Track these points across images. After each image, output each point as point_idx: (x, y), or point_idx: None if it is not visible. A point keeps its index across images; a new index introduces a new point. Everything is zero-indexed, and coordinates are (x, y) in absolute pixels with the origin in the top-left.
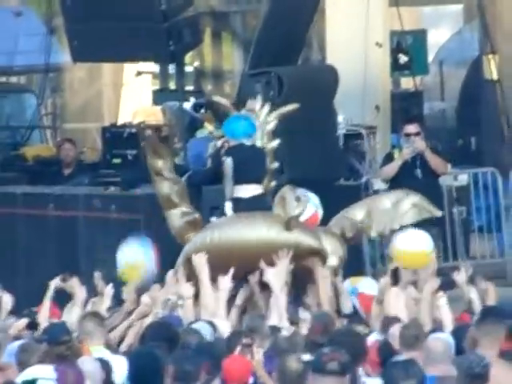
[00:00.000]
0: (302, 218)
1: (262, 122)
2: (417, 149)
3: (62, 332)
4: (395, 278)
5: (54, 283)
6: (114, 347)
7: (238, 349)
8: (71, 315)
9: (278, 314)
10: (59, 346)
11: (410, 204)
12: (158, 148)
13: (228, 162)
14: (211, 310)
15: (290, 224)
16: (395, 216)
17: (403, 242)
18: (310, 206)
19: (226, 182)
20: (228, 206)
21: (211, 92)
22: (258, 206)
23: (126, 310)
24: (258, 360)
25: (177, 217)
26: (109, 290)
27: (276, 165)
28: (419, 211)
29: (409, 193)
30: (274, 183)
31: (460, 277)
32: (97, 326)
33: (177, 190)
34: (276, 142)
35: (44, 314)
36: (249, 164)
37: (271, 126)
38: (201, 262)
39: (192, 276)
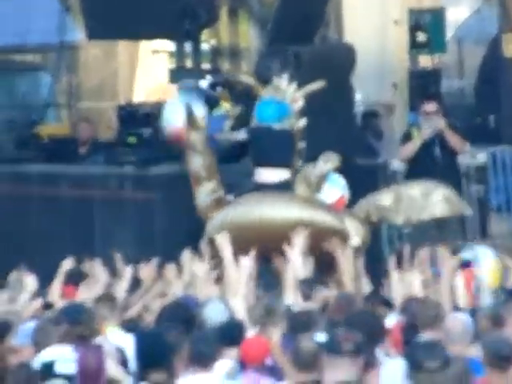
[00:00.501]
0: (329, 201)
1: (289, 101)
2: (437, 127)
3: (82, 312)
4: (399, 261)
5: (67, 265)
6: (131, 325)
7: (256, 329)
8: (91, 296)
9: (293, 292)
10: (79, 326)
11: (440, 196)
12: (194, 119)
13: (243, 132)
14: (235, 288)
15: (319, 183)
16: (425, 206)
17: None
18: (337, 189)
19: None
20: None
21: (228, 70)
22: (284, 191)
23: (144, 289)
24: (275, 341)
25: (204, 194)
26: (128, 271)
27: (303, 144)
28: (451, 206)
29: (439, 185)
30: (300, 163)
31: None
32: (111, 309)
33: (208, 164)
34: (303, 122)
35: (54, 295)
36: (273, 148)
37: (299, 105)
38: (223, 241)
39: (215, 255)
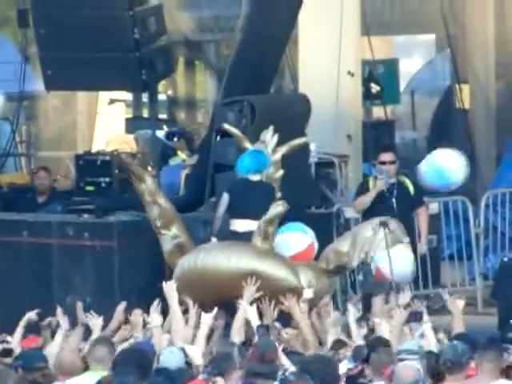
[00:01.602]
0: (300, 248)
1: (270, 153)
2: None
3: (38, 359)
4: (366, 307)
5: (29, 316)
6: None
7: (203, 377)
8: (52, 344)
9: (238, 335)
10: (34, 373)
11: (384, 232)
12: (137, 171)
13: (225, 197)
14: (182, 336)
15: (267, 231)
16: (373, 243)
17: None
18: (307, 237)
19: (216, 218)
20: (213, 242)
21: (184, 120)
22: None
23: (111, 329)
24: None
25: (167, 241)
26: (99, 321)
27: (279, 194)
28: (392, 238)
29: (387, 220)
30: None
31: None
32: (108, 352)
33: (162, 213)
34: (281, 173)
35: (16, 343)
36: (248, 200)
37: (277, 156)
38: (170, 291)
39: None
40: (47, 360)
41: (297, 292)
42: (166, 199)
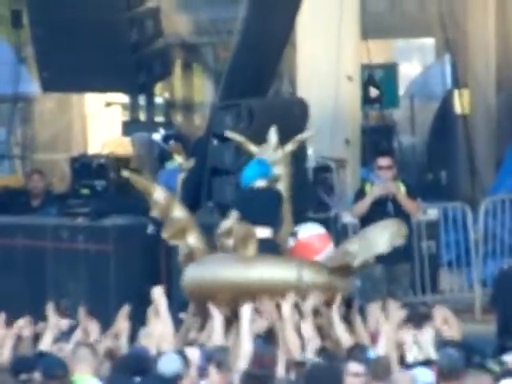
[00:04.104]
0: (312, 232)
1: (272, 152)
2: (390, 193)
3: (58, 366)
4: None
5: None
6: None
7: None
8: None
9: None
10: (52, 381)
11: (388, 232)
12: (143, 187)
13: (234, 214)
14: (169, 341)
15: (225, 244)
16: (376, 244)
17: None
18: (316, 227)
19: None
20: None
21: (181, 123)
22: (263, 250)
23: (112, 334)
24: None
25: (181, 248)
26: (94, 325)
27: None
28: (390, 241)
29: (391, 223)
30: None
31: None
32: (89, 355)
33: (170, 224)
34: (288, 170)
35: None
36: (254, 208)
37: (280, 154)
38: (159, 295)
39: (198, 309)
40: (67, 368)
41: (297, 288)
42: (178, 207)
